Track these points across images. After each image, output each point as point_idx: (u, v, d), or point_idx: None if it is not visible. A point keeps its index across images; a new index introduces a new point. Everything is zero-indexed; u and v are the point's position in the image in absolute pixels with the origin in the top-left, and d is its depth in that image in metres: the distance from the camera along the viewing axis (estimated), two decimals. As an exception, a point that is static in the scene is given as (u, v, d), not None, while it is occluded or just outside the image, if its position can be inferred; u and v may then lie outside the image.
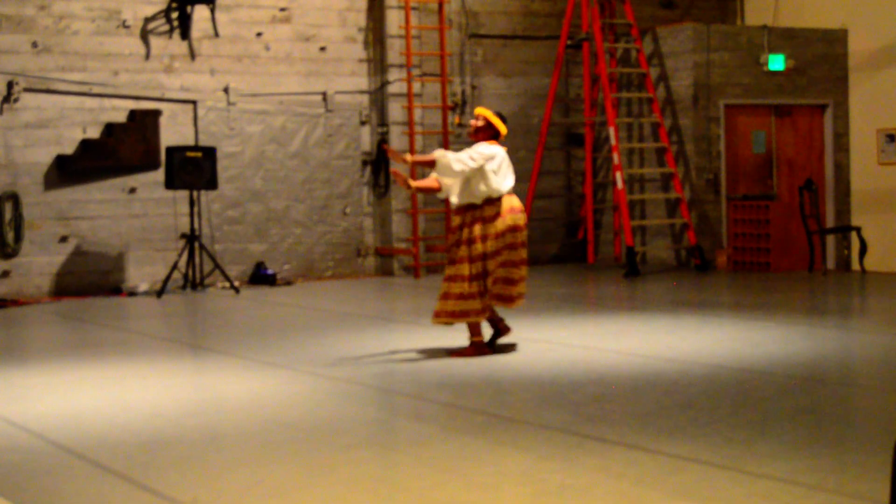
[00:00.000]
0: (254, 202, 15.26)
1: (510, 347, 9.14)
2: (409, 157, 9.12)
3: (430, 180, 8.94)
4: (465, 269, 8.73)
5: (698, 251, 15.53)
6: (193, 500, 5.23)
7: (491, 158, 8.78)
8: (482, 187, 8.76)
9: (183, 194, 14.46)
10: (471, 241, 8.76)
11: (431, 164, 8.79)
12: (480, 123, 8.96)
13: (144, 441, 6.40)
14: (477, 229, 8.76)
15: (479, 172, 8.74)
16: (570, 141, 17.23)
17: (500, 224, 8.77)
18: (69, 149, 14.23)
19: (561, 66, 16.43)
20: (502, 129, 9.00)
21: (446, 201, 15.62)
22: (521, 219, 8.87)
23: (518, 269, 8.85)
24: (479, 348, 8.92)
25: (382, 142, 9.15)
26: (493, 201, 8.81)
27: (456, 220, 8.93)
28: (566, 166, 17.24)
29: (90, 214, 14.32)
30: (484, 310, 8.81)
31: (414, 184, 8.98)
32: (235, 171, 15.13)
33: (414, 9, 15.87)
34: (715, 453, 5.76)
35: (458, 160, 8.69)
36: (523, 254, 8.89)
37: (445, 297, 8.80)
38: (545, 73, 16.74)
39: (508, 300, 8.86)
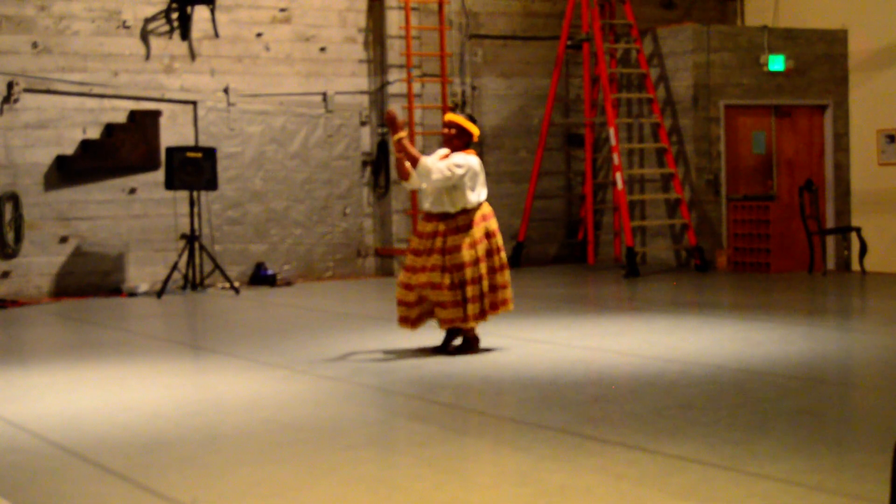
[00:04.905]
0: (254, 202, 15.27)
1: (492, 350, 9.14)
2: (403, 134, 8.74)
3: (415, 155, 8.69)
4: (447, 279, 8.64)
5: (698, 252, 15.53)
6: (193, 500, 5.23)
7: (467, 172, 8.68)
8: (457, 199, 8.71)
9: (183, 195, 14.46)
10: (445, 251, 8.67)
11: (413, 162, 8.67)
12: (453, 132, 8.82)
13: (144, 441, 6.40)
14: (451, 240, 8.68)
15: (456, 186, 8.67)
16: (570, 141, 17.23)
17: (477, 232, 8.75)
18: (69, 149, 14.23)
19: (561, 66, 16.44)
20: (475, 131, 8.90)
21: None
22: (493, 223, 8.87)
23: (501, 273, 8.85)
24: (475, 341, 8.97)
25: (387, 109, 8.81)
26: (467, 211, 8.76)
27: (428, 227, 8.80)
28: (566, 167, 17.25)
29: (90, 215, 14.32)
30: (475, 316, 8.73)
31: (405, 140, 8.70)
32: (235, 171, 15.13)
33: (414, 9, 15.87)
34: (715, 453, 5.75)
35: (439, 170, 8.60)
36: (503, 257, 8.89)
37: (441, 305, 8.70)
38: (545, 73, 16.74)
39: (499, 305, 8.86)
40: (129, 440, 6.45)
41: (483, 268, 8.74)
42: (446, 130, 8.86)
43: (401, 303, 8.95)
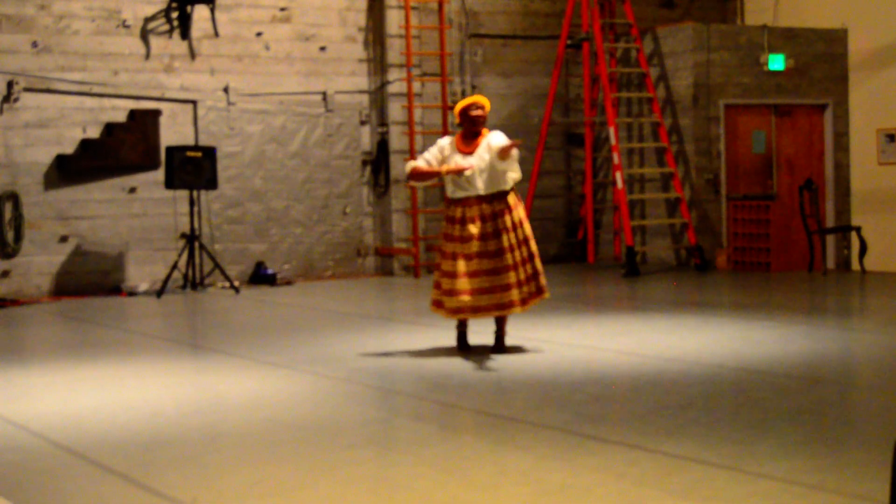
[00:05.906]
0: (254, 202, 15.26)
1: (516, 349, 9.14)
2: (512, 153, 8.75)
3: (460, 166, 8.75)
4: (524, 252, 8.77)
5: (698, 251, 15.54)
6: (193, 500, 5.23)
7: None
8: (511, 174, 8.79)
9: (183, 194, 14.46)
10: (514, 227, 8.76)
11: (508, 151, 8.62)
12: (485, 114, 8.90)
13: (144, 441, 6.40)
14: (515, 215, 8.79)
15: (512, 159, 8.77)
16: (570, 141, 17.23)
17: (521, 211, 8.88)
18: (69, 148, 14.23)
19: (561, 65, 16.43)
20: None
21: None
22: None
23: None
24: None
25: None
26: (513, 189, 8.88)
27: (475, 211, 8.72)
28: (566, 166, 17.25)
29: (90, 214, 14.32)
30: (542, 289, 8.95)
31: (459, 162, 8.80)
32: (235, 170, 15.13)
33: (414, 8, 15.87)
34: (715, 453, 5.75)
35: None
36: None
37: (521, 285, 8.74)
38: (545, 72, 16.74)
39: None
40: (129, 440, 6.45)
41: (527, 250, 8.85)
42: (477, 112, 8.81)
43: (460, 293, 8.69)
